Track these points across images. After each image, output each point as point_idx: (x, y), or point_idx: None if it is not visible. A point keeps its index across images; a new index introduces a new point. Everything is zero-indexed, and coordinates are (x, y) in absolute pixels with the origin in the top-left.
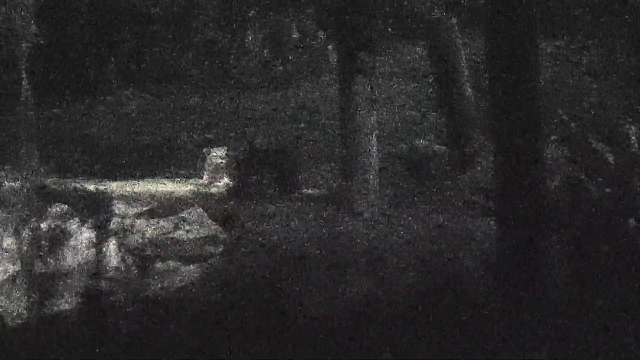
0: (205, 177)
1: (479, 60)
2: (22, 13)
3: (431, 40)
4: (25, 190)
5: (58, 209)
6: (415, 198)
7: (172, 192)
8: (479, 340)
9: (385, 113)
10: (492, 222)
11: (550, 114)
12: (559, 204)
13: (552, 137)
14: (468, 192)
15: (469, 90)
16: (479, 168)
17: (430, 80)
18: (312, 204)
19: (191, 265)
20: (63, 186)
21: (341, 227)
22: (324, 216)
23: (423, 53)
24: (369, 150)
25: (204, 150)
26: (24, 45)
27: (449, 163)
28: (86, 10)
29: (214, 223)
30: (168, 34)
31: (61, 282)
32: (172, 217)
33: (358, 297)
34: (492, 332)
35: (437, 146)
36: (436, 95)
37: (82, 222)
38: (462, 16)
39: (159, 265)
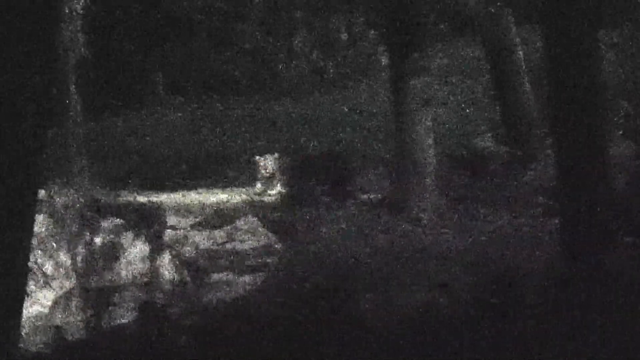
0: (257, 185)
1: (536, 54)
2: (70, 25)
3: (486, 37)
4: (77, 205)
5: (111, 223)
6: (475, 200)
7: (225, 202)
8: (542, 346)
9: (440, 113)
10: (556, 224)
11: (615, 108)
12: (626, 203)
13: (618, 133)
14: (530, 192)
15: (528, 86)
16: (540, 167)
17: (487, 78)
18: (367, 209)
19: (246, 276)
20: (115, 200)
21: (398, 233)
22: (380, 222)
23: (478, 50)
24: (425, 152)
25: (256, 158)
26: (72, 57)
27: (509, 163)
28: (132, 21)
29: (268, 232)
30: (213, 42)
31: (117, 296)
32: (225, 228)
33: (417, 304)
34: (556, 338)
35: (496, 145)
36: (493, 93)
37: (136, 235)
38: (518, 9)
39: (213, 276)
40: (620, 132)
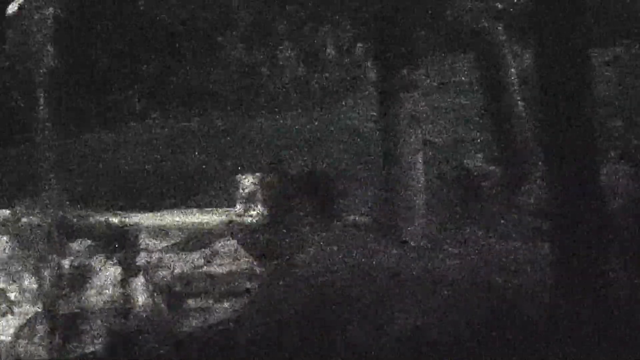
0: (238, 206)
1: (529, 71)
2: (39, 34)
3: (478, 52)
4: (45, 225)
5: (81, 244)
6: (466, 222)
7: (203, 224)
8: None
9: (430, 131)
10: (548, 247)
11: (608, 128)
12: (621, 226)
13: (612, 153)
14: (522, 214)
15: (520, 104)
16: (532, 188)
17: (478, 95)
18: (354, 232)
19: (225, 302)
20: (85, 220)
21: (386, 256)
22: (368, 245)
23: (469, 66)
24: (415, 172)
25: (237, 177)
26: (41, 69)
27: (501, 183)
28: (107, 30)
29: (249, 256)
30: (195, 53)
31: (86, 323)
32: (203, 251)
33: (406, 330)
34: None
35: (488, 166)
36: (485, 111)
37: (107, 258)
38: (510, 25)
39: (190, 302)
40: (615, 152)
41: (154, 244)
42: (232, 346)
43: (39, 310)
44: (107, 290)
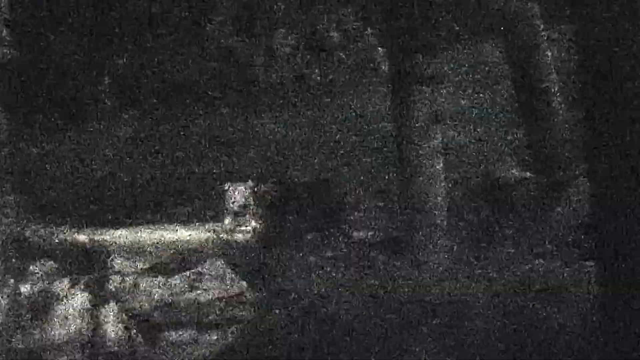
0: (227, 220)
1: (569, 62)
2: None
3: (509, 38)
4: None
5: (42, 267)
6: (495, 240)
7: (185, 241)
8: None
9: (453, 132)
10: (592, 268)
11: None
12: None
13: None
14: (561, 229)
15: (559, 99)
16: (572, 199)
17: (509, 89)
18: (363, 251)
19: (212, 334)
20: (47, 238)
21: (401, 280)
22: (379, 267)
23: (499, 55)
24: (434, 180)
25: (225, 186)
26: None
27: (536, 193)
28: (73, 14)
29: (239, 279)
30: (175, 41)
31: (49, 359)
32: (186, 274)
33: None
34: None
35: (521, 173)
36: (517, 108)
37: (73, 282)
38: (548, 7)
39: (171, 334)
40: None
41: (129, 265)
42: None
43: None
44: (72, 321)
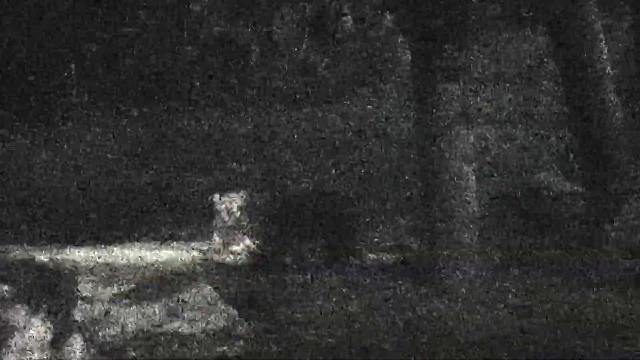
0: (215, 238)
1: (627, 53)
2: None
3: (556, 27)
4: None
5: None
6: (535, 264)
7: (167, 263)
8: None
9: (486, 135)
10: None
11: None
12: None
13: None
14: (615, 252)
15: (614, 97)
16: (630, 216)
17: (554, 86)
18: (377, 276)
19: None
20: (3, 257)
21: (424, 312)
22: (396, 294)
23: (543, 45)
24: (463, 192)
25: (214, 198)
26: None
27: (585, 209)
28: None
29: (230, 307)
30: (159, 28)
31: None
32: (166, 301)
33: None
34: None
35: (566, 183)
36: (565, 107)
37: (33, 310)
38: None
39: None
40: None
41: (98, 291)
42: None
43: None
44: (31, 355)
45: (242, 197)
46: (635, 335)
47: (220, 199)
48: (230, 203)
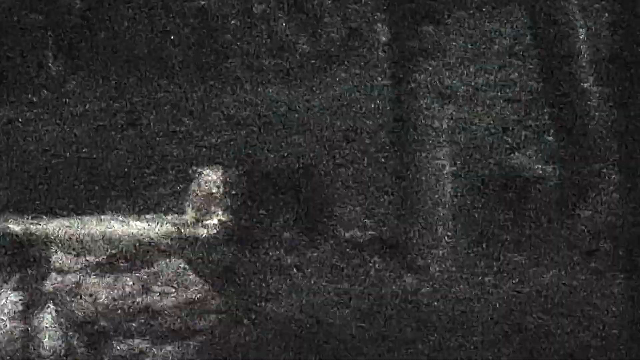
0: (189, 212)
1: (604, 38)
2: None
3: (535, 6)
4: None
5: None
6: (509, 243)
7: (139, 236)
8: None
9: (462, 115)
10: (622, 281)
11: None
12: None
13: None
14: (588, 235)
15: (590, 78)
16: (602, 199)
17: (531, 66)
18: (351, 254)
19: (168, 345)
20: None
21: (398, 288)
22: (372, 272)
23: (522, 25)
24: (438, 171)
25: (189, 171)
26: None
27: (560, 191)
28: None
29: (203, 282)
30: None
31: None
32: (139, 274)
33: None
34: None
35: (541, 166)
36: (542, 88)
37: (3, 281)
38: None
39: (118, 344)
40: None
41: (71, 262)
42: None
43: None
44: (1, 325)
45: (216, 171)
46: (604, 315)
47: (195, 173)
48: (205, 177)
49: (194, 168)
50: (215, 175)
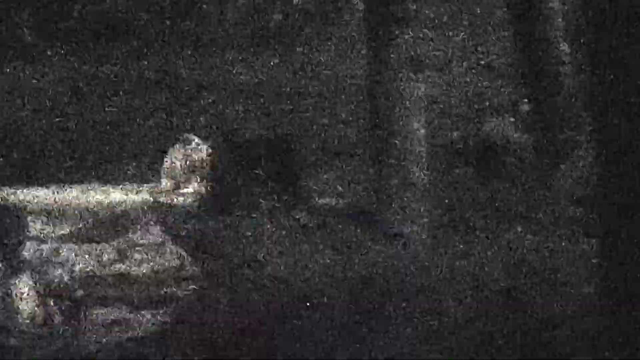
0: (164, 180)
1: (579, 3)
2: None
3: None
4: None
5: None
6: (483, 210)
7: (116, 205)
8: None
9: (437, 82)
10: (595, 246)
11: None
12: None
13: None
14: (562, 201)
15: (566, 47)
16: (576, 166)
17: (507, 34)
18: (328, 220)
19: (145, 313)
20: None
21: (371, 255)
22: (346, 238)
23: None
24: (413, 139)
25: (167, 141)
26: None
27: (533, 158)
28: None
29: (180, 249)
30: None
31: None
32: (115, 242)
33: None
34: None
35: (517, 133)
36: (515, 56)
37: None
38: None
39: (96, 312)
40: None
41: (48, 230)
42: None
43: None
44: None
45: (193, 140)
46: (579, 280)
47: (172, 142)
48: (182, 146)
49: (171, 137)
50: (192, 144)
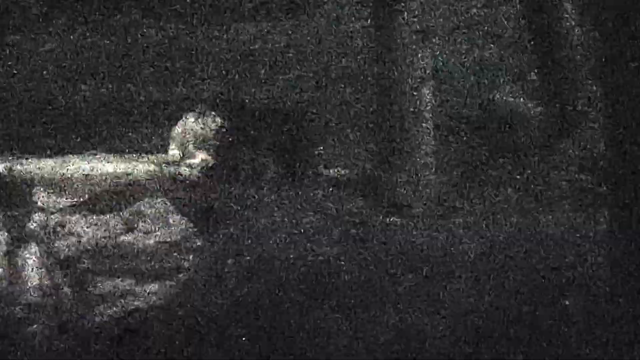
0: (171, 151)
1: None
2: None
3: None
4: None
5: None
6: (492, 181)
7: (122, 175)
8: None
9: (444, 52)
10: (605, 218)
11: None
12: None
13: None
14: (570, 172)
15: (573, 17)
16: (585, 136)
17: (514, 4)
18: (331, 192)
19: (151, 284)
20: None
21: (377, 228)
22: (353, 210)
23: None
24: (420, 109)
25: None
26: None
27: (543, 128)
28: None
29: (185, 220)
30: None
31: None
32: (121, 213)
33: (403, 331)
34: None
35: (525, 103)
36: (526, 25)
37: None
38: None
39: (102, 283)
40: None
41: (54, 201)
42: (158, 343)
43: None
44: None
45: (200, 110)
46: (587, 248)
47: (178, 113)
48: (189, 116)
49: (177, 108)
50: (199, 114)
